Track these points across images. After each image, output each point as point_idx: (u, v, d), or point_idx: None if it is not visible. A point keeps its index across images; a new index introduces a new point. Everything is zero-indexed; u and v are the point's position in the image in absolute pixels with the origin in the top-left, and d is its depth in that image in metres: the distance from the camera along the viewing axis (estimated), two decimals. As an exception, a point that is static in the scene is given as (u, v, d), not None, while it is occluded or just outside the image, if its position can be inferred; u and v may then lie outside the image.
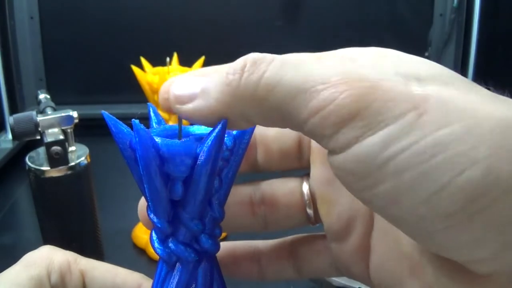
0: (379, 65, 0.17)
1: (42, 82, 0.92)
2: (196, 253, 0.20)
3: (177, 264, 0.21)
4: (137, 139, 0.18)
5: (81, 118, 1.03)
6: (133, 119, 0.19)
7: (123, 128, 0.19)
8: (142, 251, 0.52)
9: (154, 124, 0.22)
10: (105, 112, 0.20)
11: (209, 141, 0.18)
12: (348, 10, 0.91)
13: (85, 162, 0.46)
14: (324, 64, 0.17)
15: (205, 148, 0.18)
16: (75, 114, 0.46)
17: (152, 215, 0.20)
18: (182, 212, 0.19)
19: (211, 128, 0.19)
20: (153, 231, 0.21)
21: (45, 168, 0.43)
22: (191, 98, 0.19)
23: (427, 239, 0.17)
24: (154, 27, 0.91)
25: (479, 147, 0.15)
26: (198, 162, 0.18)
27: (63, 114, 0.45)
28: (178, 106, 0.19)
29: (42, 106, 0.50)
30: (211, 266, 0.22)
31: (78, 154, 0.46)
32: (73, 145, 0.47)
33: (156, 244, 0.21)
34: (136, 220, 0.55)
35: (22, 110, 0.90)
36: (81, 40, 0.91)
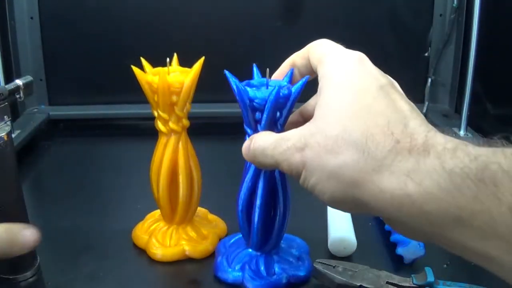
0: None
1: (42, 82, 0.92)
2: None
3: None
4: (236, 93, 0.39)
5: (81, 118, 1.03)
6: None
7: (240, 87, 0.39)
8: (142, 251, 0.52)
9: (256, 77, 0.43)
10: (228, 72, 0.39)
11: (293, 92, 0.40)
12: (348, 10, 0.91)
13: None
14: None
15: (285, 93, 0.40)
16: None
17: (246, 128, 0.41)
18: (259, 126, 0.40)
19: (281, 82, 0.41)
20: (247, 136, 0.41)
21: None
22: None
23: None
24: (154, 27, 0.91)
25: None
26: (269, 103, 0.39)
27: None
28: None
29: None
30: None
31: None
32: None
33: None
34: (136, 220, 0.56)
35: (22, 110, 0.90)
36: (81, 40, 0.91)
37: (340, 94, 0.31)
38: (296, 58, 0.39)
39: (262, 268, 0.46)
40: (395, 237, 0.52)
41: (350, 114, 0.29)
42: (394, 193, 0.27)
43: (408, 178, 0.26)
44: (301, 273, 0.47)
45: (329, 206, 0.31)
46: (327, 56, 0.34)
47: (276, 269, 0.47)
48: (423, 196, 0.26)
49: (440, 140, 0.27)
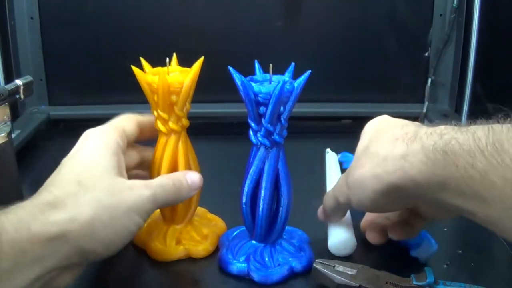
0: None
1: (42, 82, 0.92)
2: (269, 142, 0.44)
3: (261, 148, 0.45)
4: (241, 88, 0.42)
5: (81, 118, 1.03)
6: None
7: (245, 81, 0.42)
8: (142, 251, 0.52)
9: (258, 73, 0.46)
10: (232, 68, 0.42)
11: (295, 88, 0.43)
12: (348, 10, 0.91)
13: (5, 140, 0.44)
14: None
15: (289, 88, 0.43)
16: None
17: (250, 122, 0.43)
18: (264, 120, 0.43)
19: (284, 78, 0.44)
20: (251, 131, 0.44)
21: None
22: None
23: None
24: (154, 27, 0.91)
25: None
26: (273, 98, 0.42)
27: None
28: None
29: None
30: (278, 151, 0.45)
31: None
32: None
33: (252, 137, 0.44)
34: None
35: (22, 110, 0.90)
36: (81, 40, 0.91)
37: (360, 144, 0.44)
38: None
39: (266, 258, 0.48)
40: (404, 241, 0.51)
41: (365, 148, 0.42)
42: (396, 174, 0.37)
43: (403, 160, 0.37)
44: (304, 263, 0.48)
45: (371, 206, 0.42)
46: None
47: (280, 259, 0.48)
48: (414, 170, 0.36)
49: (425, 128, 0.37)
